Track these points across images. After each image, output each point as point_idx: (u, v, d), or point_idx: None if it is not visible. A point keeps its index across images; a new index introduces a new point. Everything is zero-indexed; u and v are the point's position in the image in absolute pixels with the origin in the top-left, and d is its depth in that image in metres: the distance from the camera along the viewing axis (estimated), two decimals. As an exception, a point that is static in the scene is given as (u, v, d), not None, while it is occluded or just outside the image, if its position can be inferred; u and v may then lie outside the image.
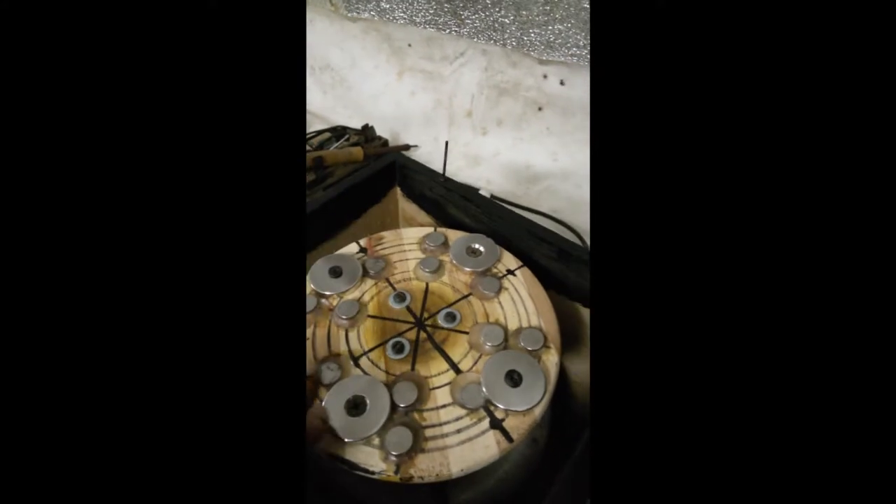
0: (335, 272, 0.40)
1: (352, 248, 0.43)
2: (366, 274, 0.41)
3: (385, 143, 0.82)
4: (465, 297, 0.39)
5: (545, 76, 0.73)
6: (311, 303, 0.37)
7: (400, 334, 0.36)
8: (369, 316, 0.38)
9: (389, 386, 0.32)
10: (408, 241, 0.44)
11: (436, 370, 0.34)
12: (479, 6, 0.72)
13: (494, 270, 0.41)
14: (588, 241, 0.67)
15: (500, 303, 0.38)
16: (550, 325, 0.36)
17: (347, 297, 0.39)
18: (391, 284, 0.40)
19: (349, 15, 0.83)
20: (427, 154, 0.83)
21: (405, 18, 0.80)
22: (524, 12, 0.70)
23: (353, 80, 0.88)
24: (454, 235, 0.44)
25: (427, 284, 0.40)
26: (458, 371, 0.34)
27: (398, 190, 0.52)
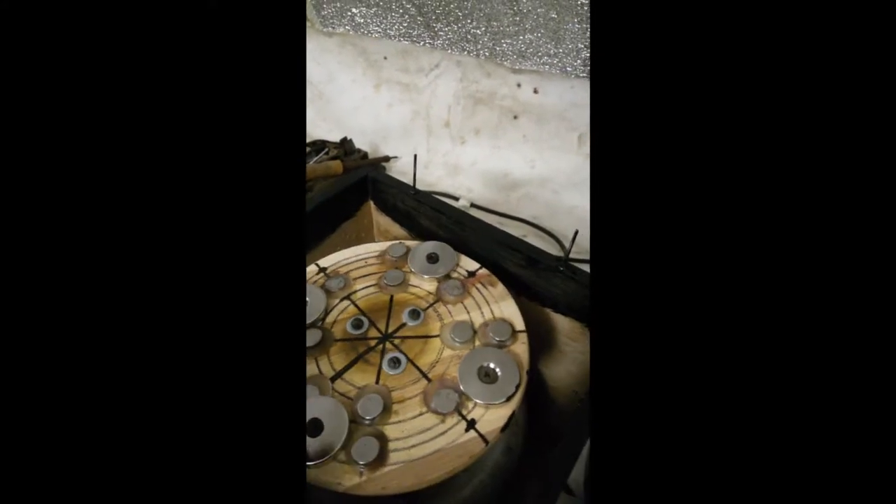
0: (432, 258, 0.43)
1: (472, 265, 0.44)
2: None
3: (364, 155, 0.82)
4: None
5: (519, 85, 0.74)
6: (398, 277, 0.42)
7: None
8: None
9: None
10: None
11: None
12: (452, 18, 0.73)
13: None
14: (566, 247, 0.68)
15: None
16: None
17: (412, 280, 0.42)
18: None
19: (324, 30, 0.84)
20: (407, 165, 0.83)
21: (380, 32, 0.81)
22: (495, 23, 0.71)
23: (331, 94, 0.89)
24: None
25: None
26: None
27: (371, 203, 0.52)
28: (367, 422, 0.32)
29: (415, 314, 0.39)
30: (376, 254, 0.45)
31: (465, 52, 0.75)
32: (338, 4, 0.80)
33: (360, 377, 0.35)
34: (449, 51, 0.77)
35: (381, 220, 0.53)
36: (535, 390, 0.47)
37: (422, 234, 0.49)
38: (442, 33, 0.76)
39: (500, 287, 0.41)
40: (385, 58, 0.82)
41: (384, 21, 0.79)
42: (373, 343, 0.37)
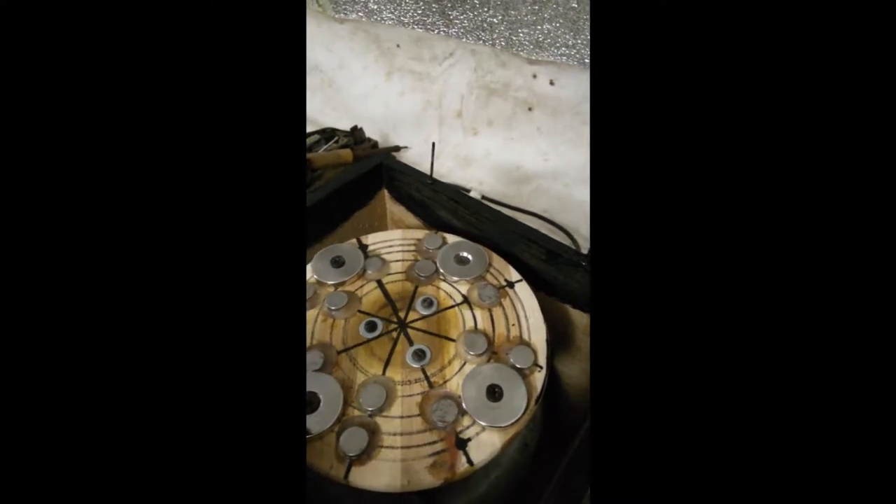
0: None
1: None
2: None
3: (375, 144, 0.81)
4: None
5: (535, 76, 0.72)
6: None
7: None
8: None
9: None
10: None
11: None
12: (468, 6, 0.72)
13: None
14: (578, 241, 0.67)
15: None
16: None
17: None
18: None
19: (336, 16, 0.83)
20: (418, 155, 0.82)
21: (393, 19, 0.79)
22: (513, 12, 0.69)
23: (342, 82, 0.87)
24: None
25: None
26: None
27: (385, 192, 0.51)
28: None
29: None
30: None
31: (481, 42, 0.74)
32: (351, -11, 0.78)
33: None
34: (464, 39, 0.75)
35: (395, 209, 0.52)
36: (552, 386, 0.47)
37: (437, 225, 0.48)
38: (457, 21, 0.74)
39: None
40: (398, 45, 0.81)
41: (398, 8, 0.77)
42: (391, 327, 0.37)
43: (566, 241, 0.68)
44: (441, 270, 0.40)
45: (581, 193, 0.74)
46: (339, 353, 0.35)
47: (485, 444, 0.30)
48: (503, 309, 0.38)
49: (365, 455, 0.29)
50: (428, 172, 0.47)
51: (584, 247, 0.40)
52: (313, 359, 0.33)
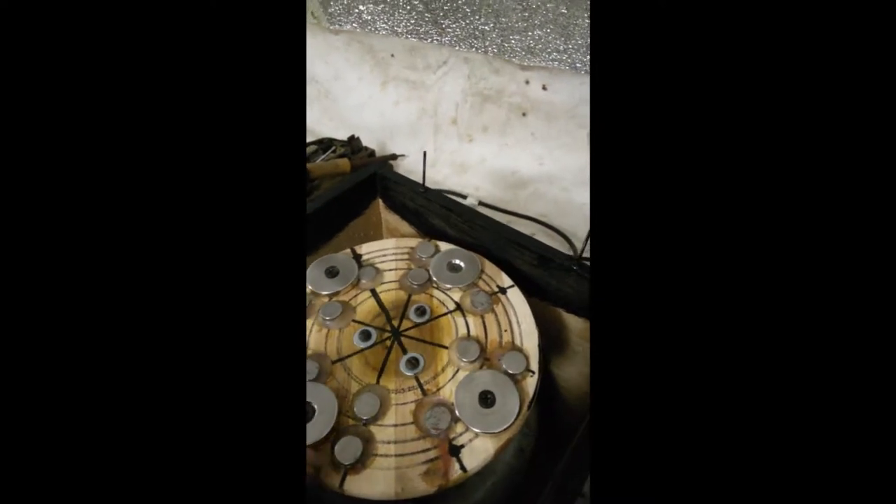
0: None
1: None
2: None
3: (371, 153, 0.82)
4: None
5: (527, 82, 0.73)
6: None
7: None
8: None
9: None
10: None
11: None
12: (460, 14, 0.73)
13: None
14: (575, 245, 0.67)
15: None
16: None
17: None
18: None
19: (331, 27, 0.84)
20: (414, 163, 0.83)
21: (387, 29, 0.80)
22: (504, 19, 0.70)
23: (338, 92, 0.88)
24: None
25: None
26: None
27: (380, 201, 0.52)
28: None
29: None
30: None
31: (474, 49, 0.75)
32: (345, 1, 0.79)
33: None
34: (457, 47, 0.76)
35: (389, 218, 0.52)
36: (547, 391, 0.47)
37: (431, 233, 0.48)
38: (450, 30, 0.75)
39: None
40: (392, 55, 0.81)
41: (391, 18, 0.78)
42: (385, 336, 0.37)
43: (564, 245, 0.69)
44: (434, 278, 0.41)
45: (578, 197, 0.74)
46: (333, 362, 0.35)
47: (478, 450, 0.30)
48: (495, 315, 0.38)
49: (359, 464, 0.29)
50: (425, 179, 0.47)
51: (587, 251, 0.40)
52: (308, 369, 0.34)
